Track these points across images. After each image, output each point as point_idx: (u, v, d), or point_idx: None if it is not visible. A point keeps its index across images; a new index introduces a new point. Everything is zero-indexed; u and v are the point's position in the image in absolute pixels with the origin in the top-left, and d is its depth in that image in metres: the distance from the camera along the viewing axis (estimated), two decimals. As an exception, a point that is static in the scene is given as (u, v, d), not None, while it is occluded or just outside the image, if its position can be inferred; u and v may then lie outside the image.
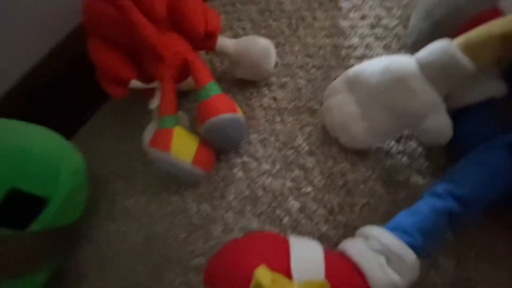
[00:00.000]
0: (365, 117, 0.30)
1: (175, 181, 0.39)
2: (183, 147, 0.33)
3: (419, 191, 0.27)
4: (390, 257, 0.22)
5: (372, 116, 0.30)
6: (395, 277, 0.21)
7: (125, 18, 0.31)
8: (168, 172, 0.33)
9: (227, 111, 0.32)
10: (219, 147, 0.36)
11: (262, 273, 0.18)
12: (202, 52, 0.46)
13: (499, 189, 0.23)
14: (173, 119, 0.34)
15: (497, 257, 0.26)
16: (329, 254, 0.23)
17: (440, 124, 0.27)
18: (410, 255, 0.22)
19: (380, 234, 0.23)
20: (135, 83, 0.35)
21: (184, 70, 0.35)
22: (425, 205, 0.24)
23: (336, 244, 0.26)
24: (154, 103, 0.36)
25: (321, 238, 0.31)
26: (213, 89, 0.33)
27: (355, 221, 0.30)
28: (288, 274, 0.20)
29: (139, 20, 0.31)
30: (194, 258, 0.34)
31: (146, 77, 0.36)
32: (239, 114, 0.33)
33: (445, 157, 0.31)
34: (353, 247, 0.23)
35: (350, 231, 0.30)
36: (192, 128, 0.37)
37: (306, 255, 0.22)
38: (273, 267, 0.20)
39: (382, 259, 0.22)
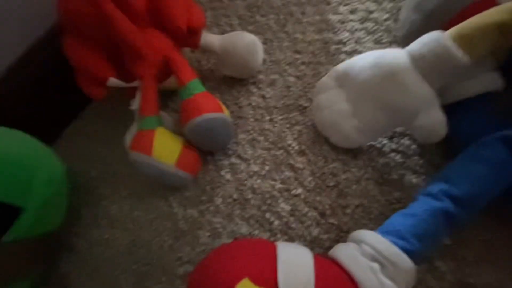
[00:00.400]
0: (356, 114, 0.29)
1: (160, 185, 0.37)
2: (165, 149, 0.31)
3: (413, 190, 0.25)
4: (384, 263, 0.21)
5: (363, 113, 0.28)
6: (389, 285, 0.20)
7: (101, 13, 0.30)
8: (151, 176, 0.32)
9: (211, 111, 0.30)
10: (205, 148, 0.35)
11: None
12: (188, 50, 0.44)
13: (498, 187, 0.22)
14: (155, 120, 0.32)
15: (497, 259, 0.24)
16: (319, 261, 0.21)
17: (434, 120, 0.25)
18: (405, 262, 0.20)
19: (373, 240, 0.22)
20: (113, 82, 0.33)
21: (166, 68, 0.34)
22: (420, 207, 0.22)
23: (328, 248, 0.24)
24: (135, 104, 0.34)
25: (313, 242, 0.29)
26: (196, 88, 0.31)
27: (347, 224, 0.29)
28: (275, 284, 0.19)
29: (116, 15, 0.30)
30: (180, 266, 0.32)
31: (127, 77, 0.34)
32: (224, 114, 0.31)
33: (440, 154, 0.29)
34: (345, 253, 0.22)
35: (342, 234, 0.29)
36: (177, 129, 0.36)
37: (295, 264, 0.20)
38: (259, 279, 0.18)
39: (376, 266, 0.20)
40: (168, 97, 0.42)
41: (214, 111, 0.30)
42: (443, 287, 0.25)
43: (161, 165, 0.30)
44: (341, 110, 0.30)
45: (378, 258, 0.21)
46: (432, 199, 0.22)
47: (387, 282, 0.20)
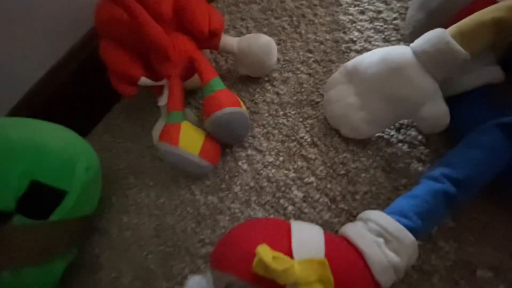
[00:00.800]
0: (364, 107, 0.31)
1: (183, 174, 0.40)
2: (190, 140, 0.34)
3: (419, 177, 0.27)
4: (388, 238, 0.23)
5: (371, 106, 0.31)
6: (393, 257, 0.22)
7: (135, 20, 0.33)
8: (176, 165, 0.35)
9: (231, 105, 0.33)
10: (225, 140, 0.38)
11: (264, 250, 0.19)
12: (207, 51, 0.48)
13: (495, 171, 0.24)
14: (181, 115, 0.36)
15: (497, 239, 0.26)
16: (329, 236, 0.24)
17: (437, 111, 0.27)
18: (407, 237, 0.23)
19: (378, 217, 0.24)
20: (144, 81, 0.37)
21: (190, 68, 0.37)
22: (422, 189, 0.24)
23: (338, 231, 0.27)
24: (162, 100, 0.38)
25: (324, 225, 0.32)
26: (217, 85, 0.34)
27: (356, 209, 0.31)
28: (289, 253, 0.21)
29: (148, 21, 0.33)
30: (202, 247, 0.36)
31: (155, 76, 0.38)
32: (242, 108, 0.34)
33: (444, 144, 0.31)
34: (352, 229, 0.24)
35: (352, 218, 0.31)
36: (199, 124, 0.39)
37: (307, 236, 0.23)
38: (275, 247, 0.21)
39: (380, 240, 0.23)
40: (190, 95, 0.46)
41: (233, 106, 0.33)
42: (445, 266, 0.26)
43: (186, 154, 0.34)
44: (351, 104, 0.32)
45: (383, 233, 0.23)
46: (433, 182, 0.24)
47: (391, 254, 0.22)
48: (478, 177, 0.24)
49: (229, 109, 0.33)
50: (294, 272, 0.19)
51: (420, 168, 0.31)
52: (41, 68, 0.44)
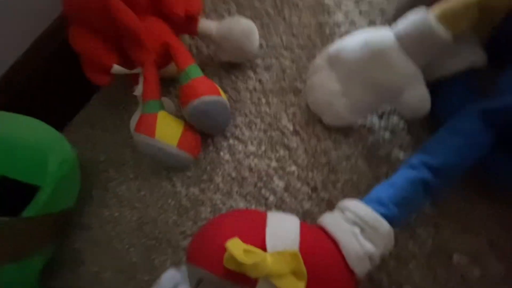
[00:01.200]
0: (346, 93, 0.30)
1: (164, 166, 0.39)
2: (167, 131, 0.33)
3: (400, 165, 0.27)
4: (364, 227, 0.22)
5: (353, 92, 0.30)
6: (368, 246, 0.22)
7: (104, 2, 0.31)
8: (154, 157, 0.34)
9: (209, 93, 0.32)
10: (205, 130, 0.37)
11: (234, 245, 0.19)
12: (187, 37, 0.46)
13: (473, 157, 0.23)
14: (157, 104, 0.34)
15: (475, 226, 0.26)
16: (305, 227, 0.23)
17: (418, 97, 0.27)
18: (383, 225, 0.22)
19: (355, 206, 0.23)
20: (117, 69, 0.35)
21: (166, 55, 0.35)
22: (400, 177, 0.24)
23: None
24: (138, 90, 0.36)
25: (305, 215, 0.31)
26: (194, 72, 0.33)
27: (337, 197, 0.31)
28: (263, 246, 0.21)
29: (118, 4, 0.31)
30: (184, 239, 0.35)
31: (130, 64, 0.36)
32: (221, 97, 0.33)
33: (426, 131, 0.31)
34: (329, 219, 0.24)
35: (332, 207, 0.31)
36: (179, 114, 0.38)
37: (282, 227, 0.22)
38: (248, 240, 0.20)
39: (356, 229, 0.22)
40: (170, 84, 0.44)
41: (211, 94, 0.32)
42: (423, 252, 0.26)
43: (163, 146, 0.33)
44: (332, 90, 0.31)
45: (359, 223, 0.22)
46: (411, 169, 0.24)
47: (366, 243, 0.22)
48: (457, 164, 0.23)
49: (207, 98, 0.32)
50: (265, 266, 0.19)
51: (402, 156, 0.30)
52: (8, 58, 0.41)
